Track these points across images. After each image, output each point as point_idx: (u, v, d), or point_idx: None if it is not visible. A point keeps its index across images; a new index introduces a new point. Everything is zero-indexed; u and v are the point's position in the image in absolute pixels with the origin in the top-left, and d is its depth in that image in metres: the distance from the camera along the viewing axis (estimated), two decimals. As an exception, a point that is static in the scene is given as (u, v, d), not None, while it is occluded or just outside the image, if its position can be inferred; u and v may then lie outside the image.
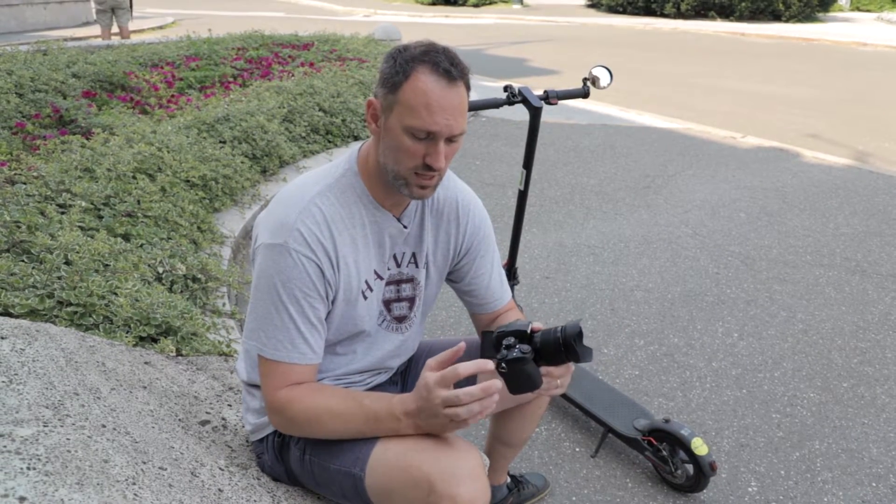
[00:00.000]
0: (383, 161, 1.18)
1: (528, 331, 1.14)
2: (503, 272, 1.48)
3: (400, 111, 1.12)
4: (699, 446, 1.84)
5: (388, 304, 1.34)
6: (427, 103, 1.09)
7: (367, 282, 1.27)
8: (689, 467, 1.91)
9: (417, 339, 1.49)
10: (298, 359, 1.19)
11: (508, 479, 1.85)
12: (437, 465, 1.08)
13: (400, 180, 1.17)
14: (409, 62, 1.11)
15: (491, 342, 1.17)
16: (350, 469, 1.20)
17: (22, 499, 0.90)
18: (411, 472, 1.10)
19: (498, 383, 1.06)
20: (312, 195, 1.20)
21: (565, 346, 1.10)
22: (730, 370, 2.58)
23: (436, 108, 1.09)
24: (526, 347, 1.11)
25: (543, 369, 1.14)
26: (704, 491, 1.96)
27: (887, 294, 3.24)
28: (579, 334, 1.11)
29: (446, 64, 1.10)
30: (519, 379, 1.12)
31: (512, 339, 1.13)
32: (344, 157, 1.27)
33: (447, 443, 1.12)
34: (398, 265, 1.33)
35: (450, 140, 1.14)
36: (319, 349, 1.23)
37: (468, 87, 1.15)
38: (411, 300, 1.38)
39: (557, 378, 1.17)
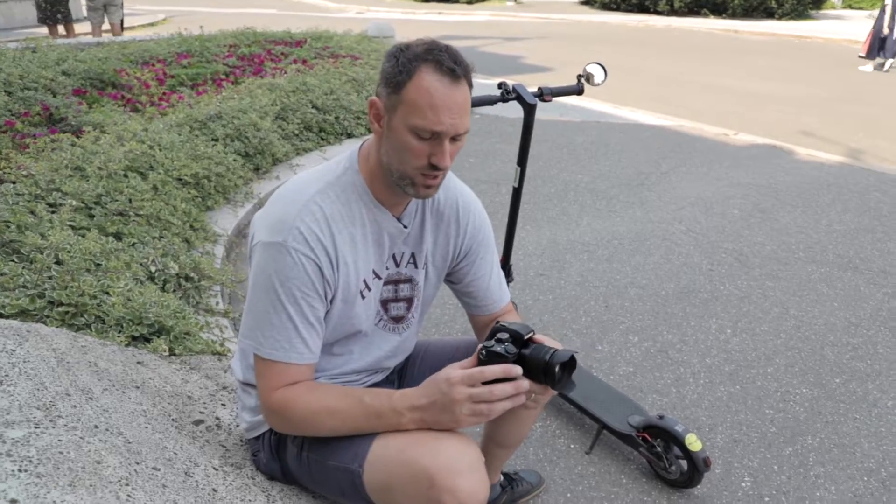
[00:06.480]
0: (387, 161, 1.16)
1: (526, 337, 1.13)
2: (502, 274, 1.48)
3: (404, 111, 1.10)
4: (693, 442, 1.85)
5: (385, 304, 1.34)
6: (431, 103, 1.07)
7: (365, 281, 1.26)
8: (684, 463, 1.92)
9: (414, 340, 1.48)
10: (296, 359, 1.18)
11: (501, 478, 1.85)
12: (437, 458, 1.08)
13: (405, 180, 1.15)
14: (411, 61, 1.09)
15: (491, 331, 1.18)
16: (349, 465, 1.19)
17: (13, 501, 0.90)
18: (411, 467, 1.10)
19: (527, 382, 1.06)
20: (312, 193, 1.19)
21: (546, 369, 1.09)
22: (723, 366, 2.59)
23: (441, 108, 1.07)
24: (512, 349, 1.11)
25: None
26: (698, 487, 1.96)
27: (879, 290, 3.26)
28: (567, 364, 1.10)
29: (450, 62, 1.08)
30: None
31: (507, 336, 1.13)
32: (345, 156, 1.26)
33: (446, 437, 1.12)
34: (397, 265, 1.32)
35: (454, 139, 1.13)
36: (317, 348, 1.22)
37: (471, 86, 1.13)
38: (409, 300, 1.37)
39: (531, 392, 1.12)
